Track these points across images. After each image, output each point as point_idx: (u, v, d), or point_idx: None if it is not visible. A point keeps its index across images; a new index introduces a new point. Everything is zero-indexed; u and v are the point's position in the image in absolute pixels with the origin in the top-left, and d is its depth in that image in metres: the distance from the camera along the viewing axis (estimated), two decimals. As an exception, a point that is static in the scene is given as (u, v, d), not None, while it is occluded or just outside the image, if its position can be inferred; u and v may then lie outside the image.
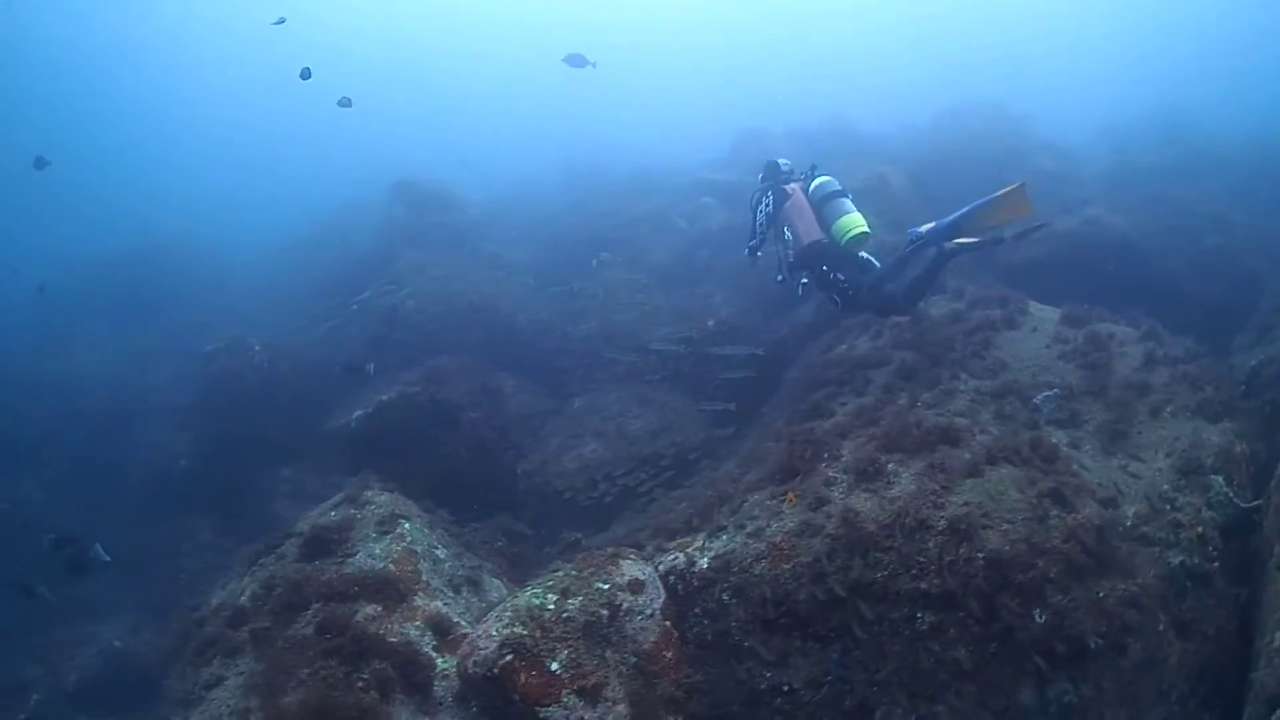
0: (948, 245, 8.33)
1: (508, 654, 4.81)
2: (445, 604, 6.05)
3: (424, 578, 6.23)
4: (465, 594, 6.57)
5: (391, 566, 6.18)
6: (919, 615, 5.33)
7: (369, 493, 7.16)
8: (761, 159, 9.88)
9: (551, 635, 4.94)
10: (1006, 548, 5.37)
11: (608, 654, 5.05)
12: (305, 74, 12.43)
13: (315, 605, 5.89)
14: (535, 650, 4.86)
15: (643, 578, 5.40)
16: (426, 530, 6.98)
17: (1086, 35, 34.36)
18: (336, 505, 7.22)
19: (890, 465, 6.22)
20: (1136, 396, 7.55)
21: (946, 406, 7.39)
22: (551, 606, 5.08)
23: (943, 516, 5.59)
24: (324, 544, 6.54)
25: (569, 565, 5.54)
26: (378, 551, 6.39)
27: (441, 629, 5.75)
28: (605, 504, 9.13)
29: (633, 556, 5.66)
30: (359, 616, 5.66)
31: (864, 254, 8.89)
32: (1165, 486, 6.58)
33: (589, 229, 15.23)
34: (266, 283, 18.76)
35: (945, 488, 5.86)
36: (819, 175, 9.06)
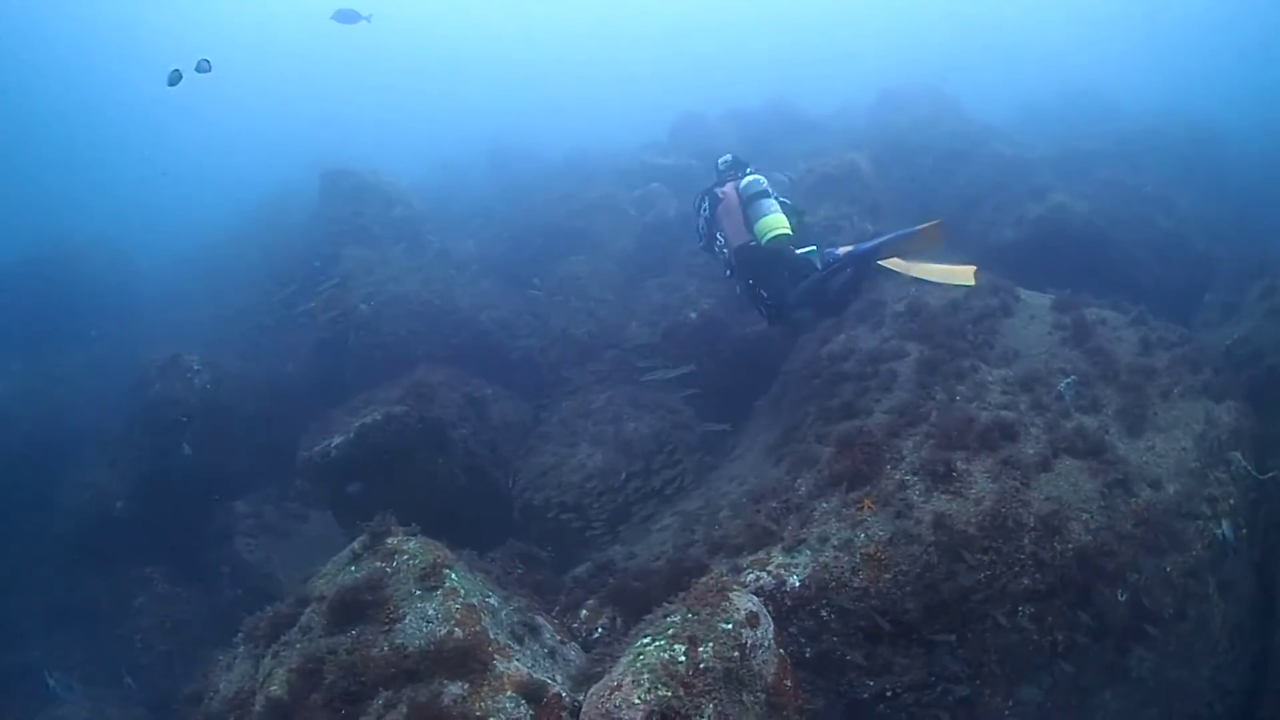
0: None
1: (657, 720, 4.52)
2: (523, 662, 5.34)
3: (492, 635, 5.40)
4: (529, 643, 5.81)
5: (458, 630, 5.32)
6: (1020, 609, 5.74)
7: (394, 539, 6.05)
8: (703, 143, 9.83)
9: (694, 691, 4.65)
10: (1090, 537, 5.93)
11: (744, 697, 4.86)
12: (203, 66, 11.45)
13: (385, 693, 5.04)
14: (683, 711, 4.55)
15: (755, 609, 5.22)
16: (471, 576, 6.11)
17: (992, 17, 35.69)
18: (356, 558, 6.15)
19: (959, 465, 6.45)
20: (1145, 380, 7.88)
21: (985, 399, 7.55)
22: (683, 658, 4.78)
23: (1032, 513, 6.00)
24: (358, 609, 5.48)
25: (679, 606, 5.25)
26: (431, 612, 5.45)
27: (535, 696, 5.07)
28: (615, 515, 8.89)
29: (738, 586, 5.45)
30: (446, 701, 4.92)
31: (802, 251, 8.97)
32: (1194, 464, 7.00)
33: (541, 218, 14.88)
34: (188, 290, 17.75)
35: (1025, 484, 6.26)
36: (747, 174, 9.09)
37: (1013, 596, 5.73)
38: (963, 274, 8.63)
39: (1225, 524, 6.77)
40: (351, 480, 9.09)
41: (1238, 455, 7.37)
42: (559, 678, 5.52)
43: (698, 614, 5.14)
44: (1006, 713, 5.73)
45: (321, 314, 12.16)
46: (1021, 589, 5.75)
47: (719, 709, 4.70)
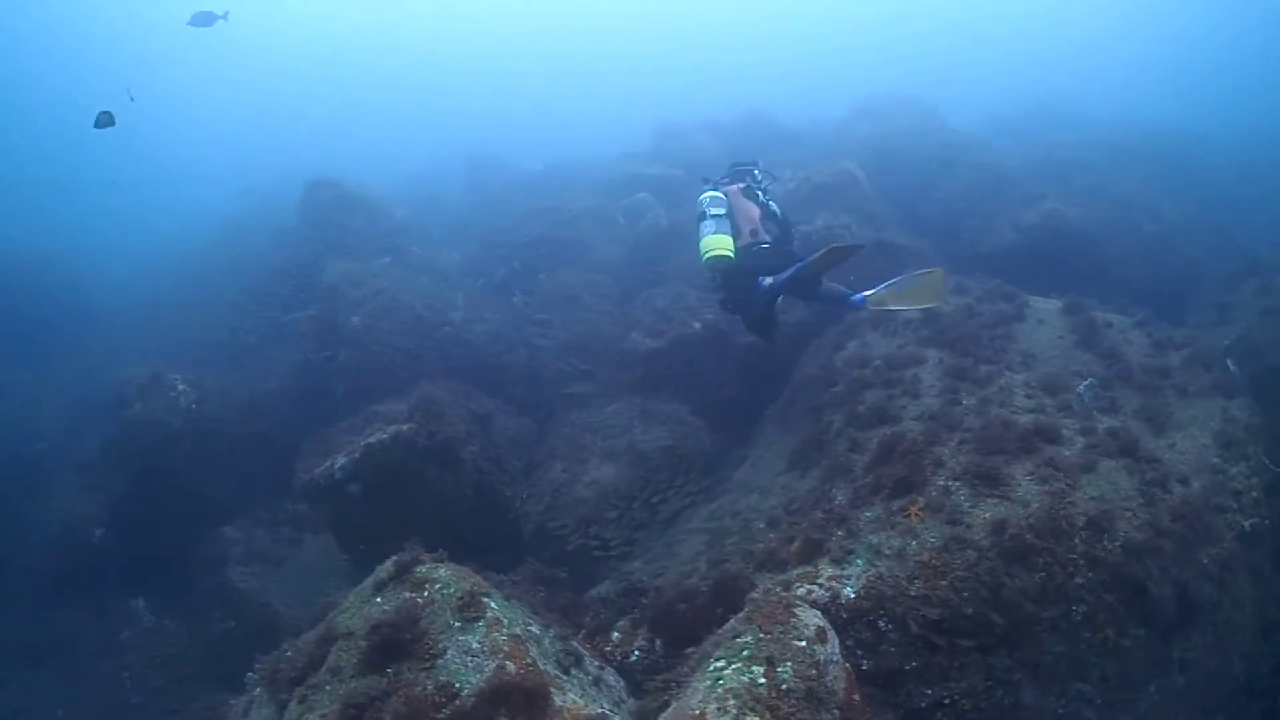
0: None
1: (748, 749, 4.32)
2: (577, 693, 5.08)
3: (541, 666, 5.10)
4: (575, 673, 5.55)
5: (510, 664, 4.94)
6: (1074, 609, 5.74)
7: (423, 568, 5.64)
8: (685, 153, 9.85)
9: (781, 714, 4.45)
10: (1136, 534, 6.00)
11: (824, 716, 4.70)
12: (103, 121, 10.95)
13: None
14: None
15: (822, 624, 5.09)
16: (509, 604, 5.77)
17: (958, 29, 36.36)
18: (381, 588, 5.69)
19: (1003, 469, 6.44)
20: (1161, 379, 8.05)
21: (1012, 404, 7.59)
22: (764, 680, 4.58)
23: (1081, 513, 6.03)
24: (394, 646, 5.02)
25: (747, 626, 5.07)
26: (475, 645, 5.06)
27: None
28: (631, 531, 8.72)
29: (801, 601, 5.30)
30: None
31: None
32: (1215, 460, 7.16)
33: (529, 228, 14.72)
34: (153, 305, 17.13)
35: (1071, 485, 6.29)
36: (705, 190, 9.03)
37: (1067, 596, 5.76)
38: (934, 287, 8.57)
39: (1247, 517, 6.91)
40: (354, 489, 8.73)
41: (1256, 449, 7.53)
42: (607, 706, 5.31)
43: (769, 632, 4.96)
44: (1060, 712, 5.73)
45: (309, 328, 11.77)
46: (1075, 588, 5.78)
47: (805, 730, 4.54)
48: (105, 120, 10.77)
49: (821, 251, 8.14)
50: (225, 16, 15.49)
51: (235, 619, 10.17)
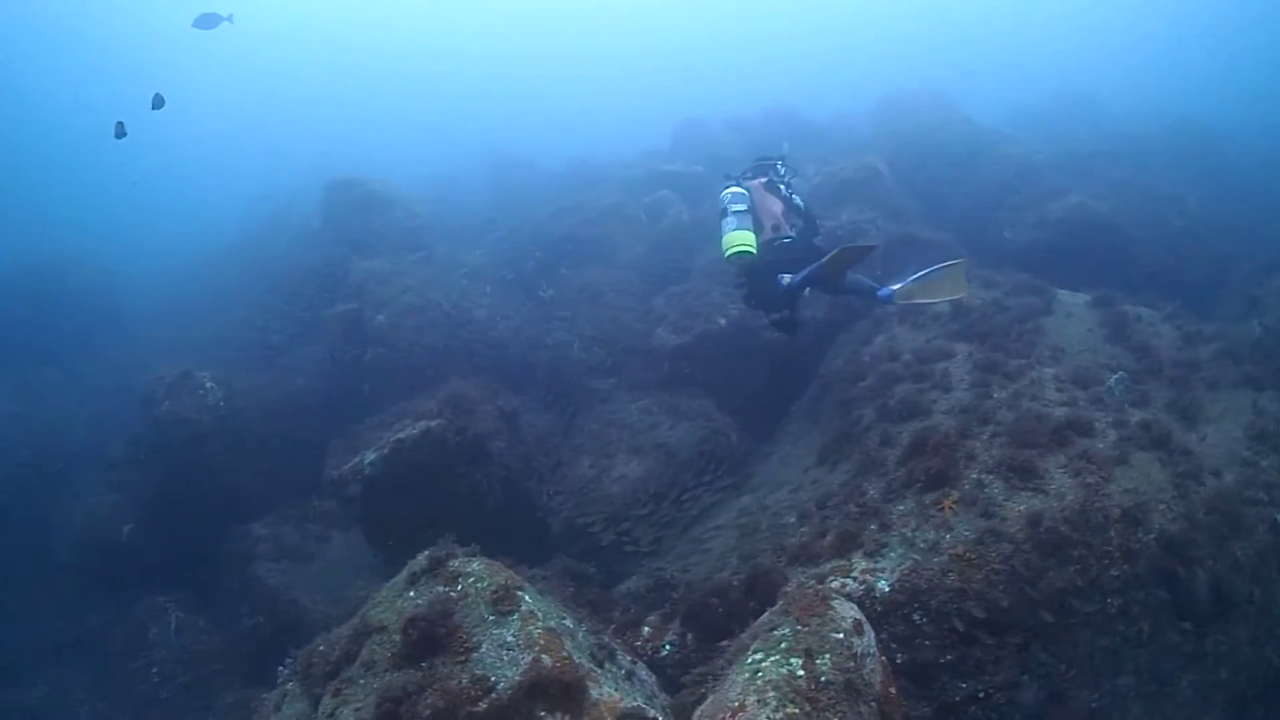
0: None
1: (789, 741, 4.30)
2: (612, 687, 5.04)
3: (576, 660, 5.04)
4: (609, 667, 5.47)
5: (545, 657, 4.90)
6: (1108, 600, 5.75)
7: (456, 562, 5.57)
8: (706, 150, 9.81)
9: (820, 705, 4.43)
10: (1170, 526, 6.02)
11: (861, 708, 4.69)
12: (157, 102, 11.09)
13: None
14: None
15: (859, 616, 5.06)
16: (543, 598, 5.72)
17: (979, 23, 36.19)
18: (414, 583, 5.69)
19: (1036, 462, 6.44)
20: (1191, 373, 8.02)
21: (1044, 397, 7.57)
22: (803, 672, 4.56)
23: (1116, 506, 6.04)
24: (428, 640, 5.03)
25: (784, 618, 5.06)
26: (510, 639, 5.02)
27: None
28: (659, 527, 8.72)
29: (836, 594, 5.28)
30: None
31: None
32: (1246, 453, 7.15)
33: (552, 226, 14.72)
34: (178, 305, 17.29)
35: (1105, 478, 6.28)
36: (727, 186, 8.99)
37: (1102, 589, 5.76)
38: (958, 278, 8.51)
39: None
40: (387, 495, 8.75)
41: (1288, 441, 7.45)
42: (640, 700, 5.27)
43: (807, 625, 4.93)
44: (1094, 705, 5.71)
45: (336, 327, 11.83)
46: (1110, 581, 5.78)
47: (844, 722, 4.52)
48: (121, 131, 10.89)
49: (833, 253, 8.14)
50: (230, 19, 15.50)
51: (263, 615, 10.19)
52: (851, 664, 4.76)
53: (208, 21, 15.66)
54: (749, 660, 4.74)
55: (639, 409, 10.07)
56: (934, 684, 5.59)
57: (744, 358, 10.73)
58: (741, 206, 8.64)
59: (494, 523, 8.81)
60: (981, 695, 5.60)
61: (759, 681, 4.50)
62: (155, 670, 10.35)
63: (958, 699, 5.58)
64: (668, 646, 6.34)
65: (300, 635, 8.91)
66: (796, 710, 4.35)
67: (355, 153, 22.53)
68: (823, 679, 4.56)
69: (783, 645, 4.74)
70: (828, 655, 4.68)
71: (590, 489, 9.27)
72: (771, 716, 4.30)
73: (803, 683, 4.49)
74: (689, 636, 6.29)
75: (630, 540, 8.56)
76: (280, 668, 6.46)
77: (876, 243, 8.85)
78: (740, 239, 8.45)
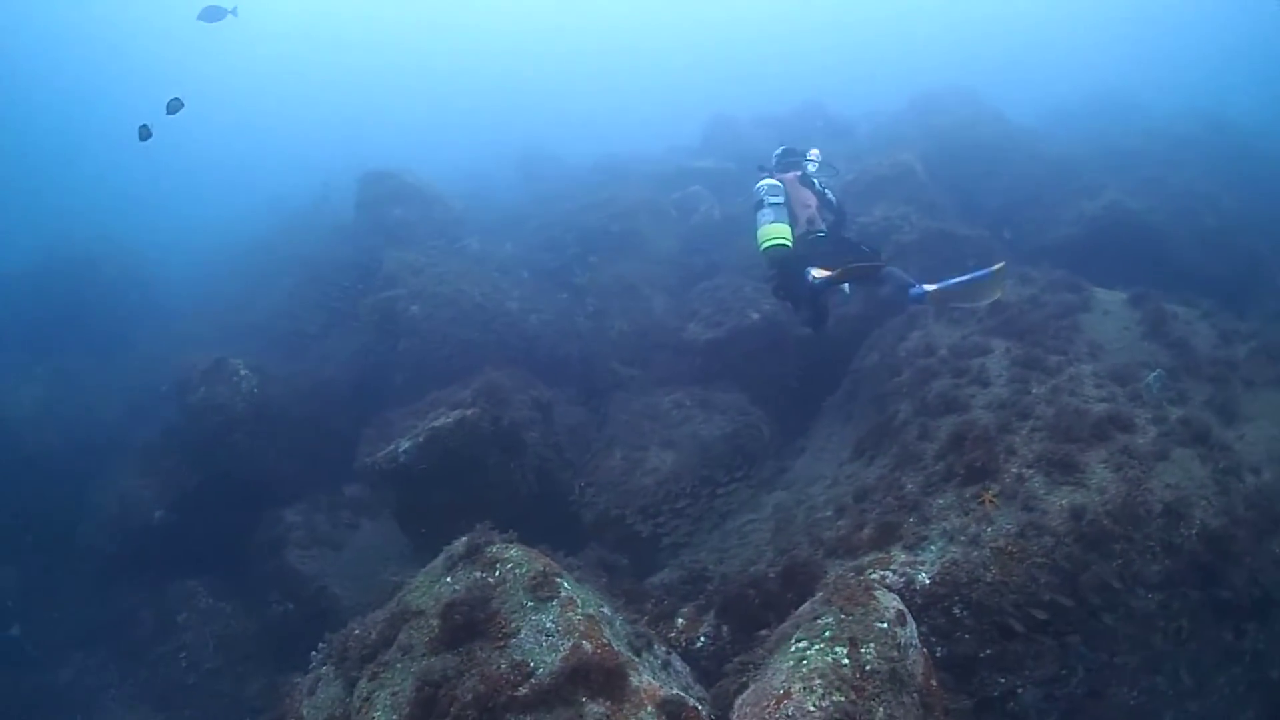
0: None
1: (835, 730, 4.29)
2: (654, 676, 5.06)
3: (616, 647, 5.03)
4: (646, 656, 5.46)
5: (586, 644, 4.88)
6: (1149, 595, 5.72)
7: (494, 548, 5.58)
8: (735, 146, 9.79)
9: (865, 694, 4.42)
10: (1212, 521, 5.97)
11: (905, 699, 4.67)
12: (174, 106, 11.16)
13: (524, 718, 4.59)
14: (857, 716, 4.33)
15: (901, 607, 5.05)
16: (581, 585, 5.70)
17: (1019, 21, 35.98)
18: (451, 568, 5.68)
19: (1077, 456, 6.41)
20: (1228, 371, 7.94)
21: (1082, 393, 7.51)
22: (848, 661, 4.55)
23: (1158, 501, 6.02)
24: (467, 625, 5.02)
25: (827, 607, 5.05)
26: (549, 625, 5.01)
27: (674, 712, 4.75)
28: (691, 520, 8.71)
29: (878, 585, 5.27)
30: None
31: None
32: None
33: (583, 221, 14.75)
34: (210, 295, 17.48)
35: (1146, 473, 6.26)
36: (762, 178, 8.97)
37: (1143, 584, 5.74)
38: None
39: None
40: (421, 483, 8.78)
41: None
42: (676, 690, 5.25)
43: (850, 614, 4.92)
44: (1131, 702, 5.70)
45: (369, 317, 11.90)
46: (1152, 575, 5.76)
47: (889, 712, 4.51)
48: (146, 133, 11.02)
49: (837, 271, 8.18)
50: (234, 11, 15.51)
51: (293, 601, 10.27)
52: (896, 654, 4.76)
53: (212, 15, 15.63)
54: (792, 649, 4.74)
55: (671, 402, 10.07)
56: (973, 678, 5.55)
57: (776, 353, 10.74)
58: (779, 199, 8.64)
59: (527, 512, 8.83)
60: (1020, 690, 5.56)
61: (804, 669, 4.51)
62: (184, 655, 10.41)
63: (996, 694, 5.55)
64: (702, 638, 6.32)
65: (330, 622, 8.93)
66: (842, 698, 4.36)
67: (384, 149, 22.61)
68: (868, 668, 4.56)
69: (827, 634, 4.74)
70: (872, 644, 4.68)
71: (623, 481, 9.26)
72: (818, 704, 4.31)
73: (848, 671, 4.50)
74: (724, 628, 6.29)
75: (664, 531, 8.55)
76: (313, 652, 6.47)
77: (882, 262, 8.72)
78: (777, 231, 8.45)
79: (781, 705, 4.36)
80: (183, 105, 10.90)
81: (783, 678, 4.54)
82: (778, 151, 9.97)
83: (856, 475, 7.81)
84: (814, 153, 9.74)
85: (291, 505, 10.87)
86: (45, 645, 11.20)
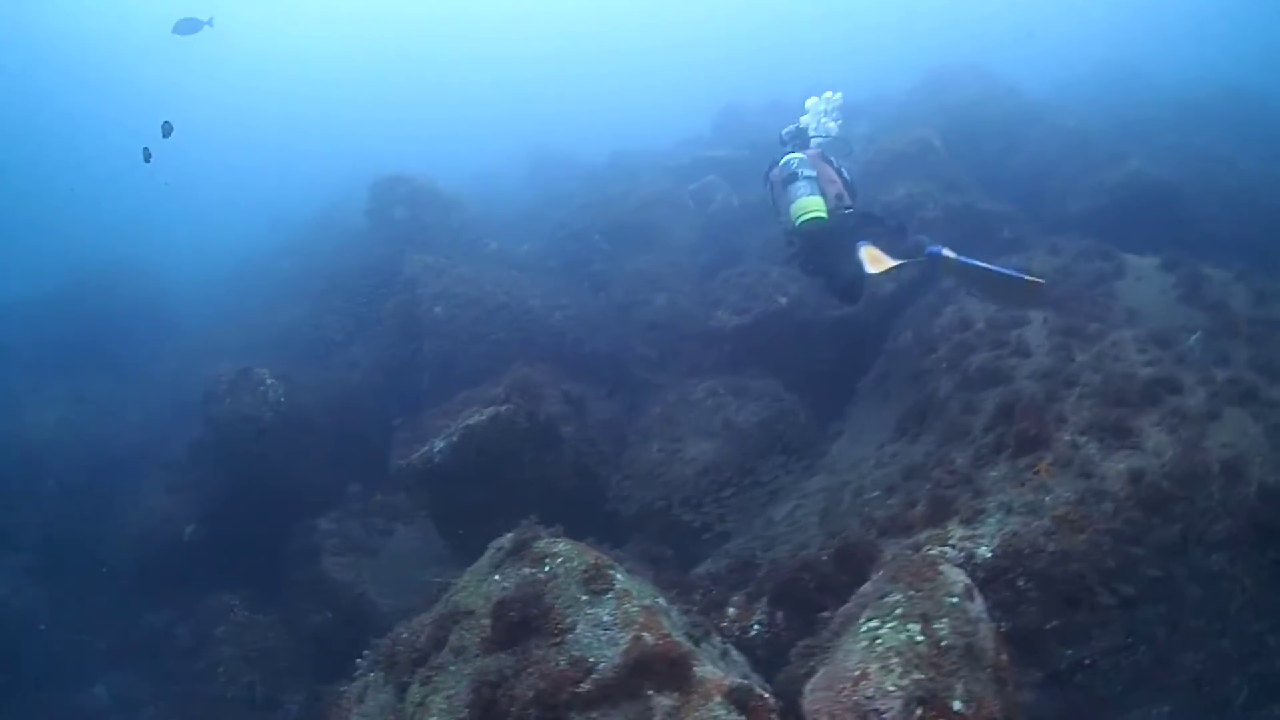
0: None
1: (916, 708, 4.12)
2: (717, 666, 4.92)
3: (676, 638, 4.83)
4: (705, 646, 5.24)
5: (647, 635, 4.73)
6: (1213, 557, 5.65)
7: (541, 543, 5.43)
8: (748, 135, 9.72)
9: (943, 671, 4.31)
10: (1269, 478, 5.85)
11: (979, 674, 4.58)
12: (166, 130, 11.14)
13: (588, 714, 4.48)
14: (938, 693, 4.24)
15: (968, 581, 4.96)
16: (634, 577, 5.52)
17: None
18: (498, 566, 5.54)
19: (1130, 420, 6.34)
20: (1268, 331, 7.85)
21: (1129, 357, 7.45)
22: (922, 637, 4.45)
23: (1215, 460, 5.96)
24: (520, 623, 4.87)
25: (893, 585, 4.94)
26: (606, 618, 4.87)
27: (743, 701, 4.62)
28: (732, 508, 8.64)
29: (942, 560, 5.17)
30: (658, 716, 4.45)
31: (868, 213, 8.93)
32: None
33: (600, 216, 14.67)
34: (241, 309, 17.45)
35: (1200, 434, 6.20)
36: (787, 153, 8.89)
37: (1207, 545, 5.68)
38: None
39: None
40: (457, 483, 8.70)
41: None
42: (737, 679, 5.16)
43: (919, 590, 4.80)
44: (1198, 668, 5.59)
45: (393, 321, 11.85)
46: (1213, 535, 5.69)
47: (967, 687, 4.39)
48: (167, 129, 10.98)
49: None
50: (210, 22, 15.28)
51: (330, 610, 10.16)
52: (969, 628, 4.67)
53: (188, 27, 15.42)
54: (863, 629, 4.64)
55: (704, 390, 9.96)
56: (1039, 651, 5.48)
57: (806, 337, 10.65)
58: (812, 172, 8.54)
59: (565, 508, 8.72)
60: (1087, 663, 5.50)
61: (879, 649, 4.41)
62: (221, 670, 10.30)
63: (1063, 666, 5.47)
64: (756, 626, 6.23)
65: (369, 629, 8.91)
66: (922, 675, 4.26)
67: (388, 155, 22.61)
68: (943, 644, 4.46)
69: (898, 611, 4.63)
70: (945, 620, 4.58)
71: (661, 472, 9.16)
72: (898, 683, 4.21)
73: (924, 648, 4.40)
74: (779, 614, 6.18)
75: (712, 520, 8.47)
76: (358, 659, 6.40)
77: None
78: (814, 204, 8.33)
79: (859, 686, 4.26)
80: (173, 129, 10.91)
81: (857, 658, 4.44)
82: (790, 129, 9.89)
83: (901, 454, 7.72)
84: (829, 95, 9.65)
85: (325, 513, 10.76)
86: (78, 664, 11.16)
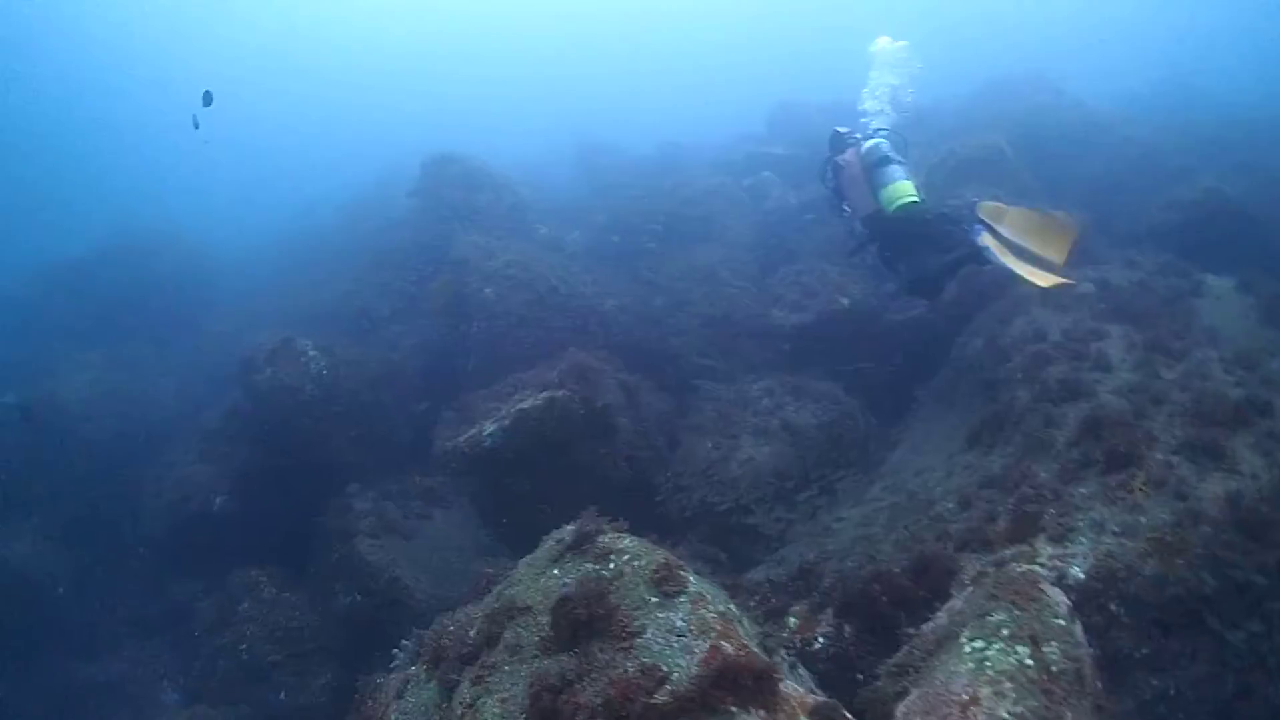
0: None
1: (1031, 737, 3.95)
2: (799, 682, 4.68)
3: (754, 649, 4.48)
4: (777, 659, 4.92)
5: (725, 644, 4.35)
6: None
7: (606, 538, 5.09)
8: (803, 132, 9.62)
9: (1054, 698, 4.09)
10: None
11: (1083, 702, 4.34)
12: (207, 99, 10.98)
13: None
14: None
15: (1070, 603, 4.73)
16: (705, 580, 5.07)
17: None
18: (557, 560, 5.17)
19: (1223, 442, 6.17)
20: None
21: (1215, 377, 7.23)
22: (1032, 661, 4.23)
23: None
24: (584, 623, 4.54)
25: (995, 603, 4.70)
26: (680, 624, 4.48)
27: None
28: (789, 512, 8.40)
29: (1044, 579, 4.92)
30: None
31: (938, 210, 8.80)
32: None
33: (654, 207, 14.39)
34: (286, 283, 17.37)
35: None
36: (872, 139, 8.75)
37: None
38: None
39: None
40: (506, 469, 8.48)
41: None
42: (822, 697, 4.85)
43: (1025, 609, 4.55)
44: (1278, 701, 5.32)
45: (441, 300, 11.64)
46: (1310, 564, 5.47)
47: (1075, 717, 4.16)
48: (208, 99, 10.88)
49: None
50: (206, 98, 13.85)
51: (361, 593, 9.81)
52: (1076, 651, 4.46)
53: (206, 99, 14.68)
54: (967, 649, 4.40)
55: (761, 389, 9.76)
56: (1127, 679, 5.27)
57: (868, 340, 10.46)
58: (901, 157, 8.38)
59: (617, 502, 8.50)
60: (1173, 694, 5.27)
61: (990, 672, 4.19)
62: (244, 647, 10.04)
63: (1148, 697, 5.26)
64: (820, 639, 5.93)
65: (402, 614, 8.76)
66: (1035, 703, 4.05)
67: (437, 141, 22.63)
68: (1054, 668, 4.26)
69: (1004, 632, 4.41)
70: (1055, 643, 4.37)
71: (715, 471, 8.94)
72: (1011, 710, 4.00)
73: (1034, 672, 4.19)
74: (846, 628, 5.90)
75: (774, 524, 8.23)
76: (395, 650, 6.17)
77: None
78: (909, 189, 8.23)
79: (969, 713, 4.03)
80: (213, 98, 10.84)
81: (964, 681, 4.21)
82: (867, 120, 9.75)
83: (976, 465, 7.46)
84: (884, 40, 9.42)
85: (361, 493, 10.52)
86: (99, 635, 11.01)
